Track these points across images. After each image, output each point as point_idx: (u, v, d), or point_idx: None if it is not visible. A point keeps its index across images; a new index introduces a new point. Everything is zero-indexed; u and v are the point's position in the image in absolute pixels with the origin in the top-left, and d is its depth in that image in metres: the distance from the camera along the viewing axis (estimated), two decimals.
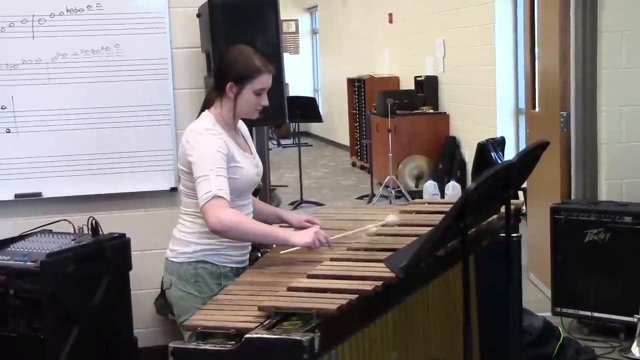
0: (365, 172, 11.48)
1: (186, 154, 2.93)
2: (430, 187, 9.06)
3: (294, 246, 2.86)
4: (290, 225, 3.19)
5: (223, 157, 2.87)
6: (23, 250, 3.85)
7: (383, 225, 3.11)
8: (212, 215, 2.77)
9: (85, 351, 3.79)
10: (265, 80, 2.98)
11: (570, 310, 4.88)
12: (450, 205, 2.41)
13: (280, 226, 3.21)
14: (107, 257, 3.90)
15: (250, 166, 3.03)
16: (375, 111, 10.65)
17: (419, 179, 9.62)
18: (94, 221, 3.98)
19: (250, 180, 3.03)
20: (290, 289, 2.46)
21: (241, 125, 3.15)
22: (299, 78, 17.37)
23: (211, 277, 2.98)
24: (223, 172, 2.84)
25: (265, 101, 3.01)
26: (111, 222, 4.17)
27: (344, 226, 3.18)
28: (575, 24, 5.08)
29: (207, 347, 2.17)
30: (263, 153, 4.74)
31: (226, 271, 3.00)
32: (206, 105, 3.06)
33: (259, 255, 3.09)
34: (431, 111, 9.95)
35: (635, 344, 4.50)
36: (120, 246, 4.04)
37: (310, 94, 16.97)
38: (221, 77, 2.99)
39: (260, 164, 3.14)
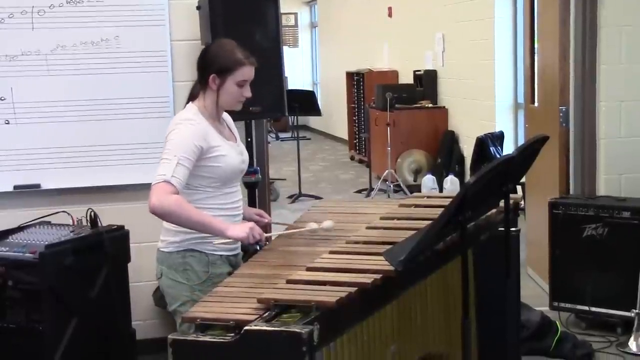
0: (364, 165, 11.47)
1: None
2: (428, 181, 9.07)
3: (229, 238, 2.91)
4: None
5: (195, 149, 2.91)
6: (22, 242, 3.85)
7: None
8: (156, 197, 2.82)
9: (83, 343, 3.80)
10: (247, 72, 3.03)
11: (568, 305, 4.89)
12: (449, 200, 2.41)
13: None
14: (105, 249, 3.90)
15: (234, 154, 3.09)
16: (374, 105, 10.64)
17: (417, 173, 9.62)
18: (92, 213, 3.98)
19: (235, 168, 3.09)
20: (289, 281, 2.47)
21: (225, 115, 3.21)
22: (298, 71, 17.35)
23: (199, 265, 3.04)
24: (187, 162, 2.88)
25: (247, 93, 3.07)
26: (110, 214, 4.17)
27: (342, 219, 3.19)
28: (575, 19, 5.07)
29: (206, 338, 2.18)
30: (262, 146, 4.75)
31: (214, 259, 3.06)
32: (191, 97, 3.12)
33: (258, 248, 3.10)
34: (430, 105, 9.94)
35: (632, 338, 4.50)
36: (119, 238, 4.05)
37: (309, 88, 16.95)
38: (204, 70, 3.05)
39: (245, 152, 3.20)
